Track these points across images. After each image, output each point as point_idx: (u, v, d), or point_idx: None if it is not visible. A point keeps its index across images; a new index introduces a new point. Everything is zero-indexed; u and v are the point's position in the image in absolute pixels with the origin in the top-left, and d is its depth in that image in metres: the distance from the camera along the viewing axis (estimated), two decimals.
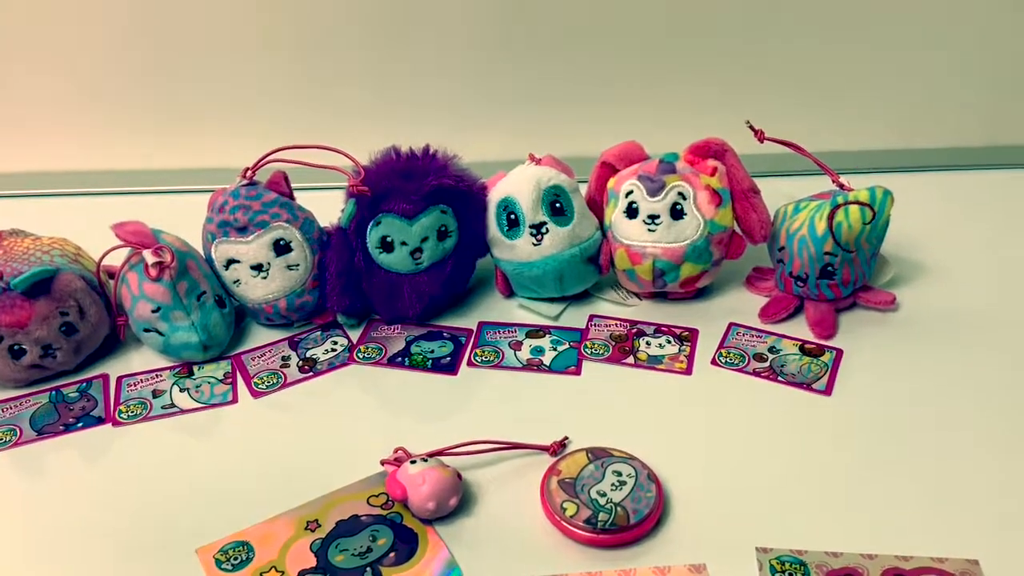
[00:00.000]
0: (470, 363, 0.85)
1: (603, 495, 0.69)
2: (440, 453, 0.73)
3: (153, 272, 0.81)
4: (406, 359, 0.85)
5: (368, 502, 0.72)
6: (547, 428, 0.77)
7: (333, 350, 0.87)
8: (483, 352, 0.86)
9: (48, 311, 0.80)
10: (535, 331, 0.88)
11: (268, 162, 0.85)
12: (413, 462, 0.71)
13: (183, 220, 0.89)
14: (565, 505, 0.69)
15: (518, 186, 0.87)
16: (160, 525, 0.71)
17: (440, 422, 0.80)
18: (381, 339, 0.88)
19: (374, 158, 0.85)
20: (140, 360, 0.87)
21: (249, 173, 0.86)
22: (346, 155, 0.84)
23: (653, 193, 0.86)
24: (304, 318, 0.89)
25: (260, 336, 0.89)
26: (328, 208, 0.89)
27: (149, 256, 0.80)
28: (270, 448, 0.77)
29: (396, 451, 0.74)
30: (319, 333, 0.89)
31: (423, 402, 0.82)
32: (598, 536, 0.67)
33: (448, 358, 0.86)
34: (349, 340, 0.88)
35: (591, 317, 0.90)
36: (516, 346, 0.87)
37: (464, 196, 0.87)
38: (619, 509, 0.68)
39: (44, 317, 0.80)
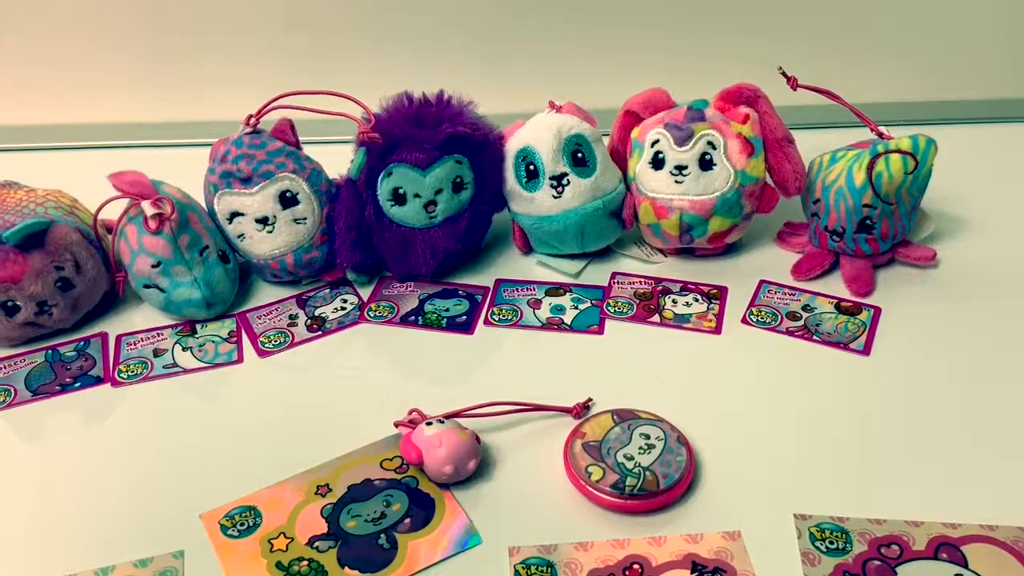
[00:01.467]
0: (487, 322, 0.81)
1: (630, 459, 0.65)
2: (457, 415, 0.69)
3: (152, 224, 0.76)
4: (420, 318, 0.81)
5: (381, 466, 0.68)
6: (569, 389, 0.73)
7: (343, 308, 0.83)
8: (500, 311, 0.82)
9: (42, 265, 0.76)
10: (555, 289, 0.84)
11: (272, 109, 0.80)
12: (429, 424, 0.67)
13: (184, 174, 0.84)
14: (590, 469, 0.65)
15: (538, 135, 0.82)
16: (162, 489, 0.67)
17: (456, 383, 0.76)
18: (393, 297, 0.84)
19: (385, 104, 0.81)
20: (140, 318, 0.83)
21: (253, 121, 0.81)
22: (355, 101, 0.79)
23: (681, 142, 0.81)
24: (312, 275, 0.84)
25: (266, 294, 0.85)
26: (335, 163, 0.85)
27: (148, 207, 0.76)
28: (278, 410, 0.73)
29: (410, 413, 0.70)
30: (328, 291, 0.85)
31: (438, 362, 0.78)
32: (625, 502, 0.63)
33: (464, 317, 0.81)
34: (359, 298, 0.84)
35: (614, 274, 0.85)
36: (535, 304, 0.82)
37: (480, 146, 0.82)
38: (648, 473, 0.64)
39: (38, 272, 0.76)
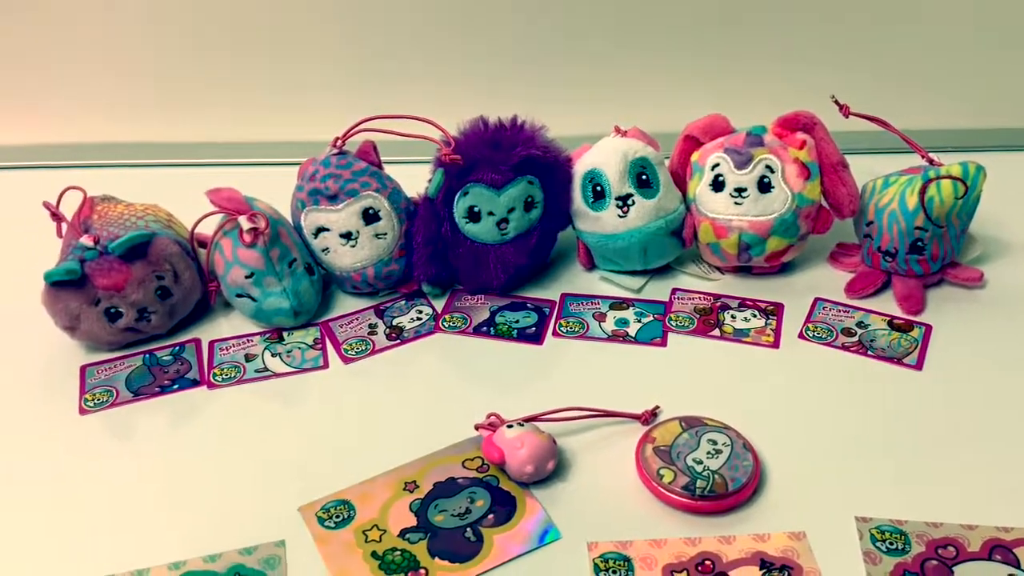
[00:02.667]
0: (555, 333, 0.85)
1: (699, 463, 0.69)
2: (535, 419, 0.73)
3: (248, 238, 0.82)
4: (491, 328, 0.86)
5: (463, 465, 0.72)
6: (634, 398, 0.77)
7: (419, 319, 0.88)
8: (567, 323, 0.86)
9: (144, 275, 0.82)
10: (618, 303, 0.89)
11: (357, 132, 0.86)
12: (510, 427, 0.71)
13: (265, 192, 0.90)
14: (662, 472, 0.69)
15: (605, 158, 0.87)
16: (261, 484, 0.72)
17: (527, 390, 0.80)
18: (465, 309, 0.89)
19: (462, 128, 0.86)
20: (228, 326, 0.88)
21: (339, 142, 0.86)
22: (435, 124, 0.85)
23: (740, 166, 0.86)
24: (389, 287, 0.90)
25: (345, 304, 0.90)
26: (409, 182, 0.90)
27: (244, 222, 0.82)
28: (363, 412, 0.78)
29: (489, 416, 0.74)
30: (404, 302, 0.90)
31: (509, 370, 0.82)
32: (696, 502, 0.68)
33: (533, 328, 0.86)
34: (433, 309, 0.89)
35: (674, 290, 0.90)
36: (600, 318, 0.87)
37: (551, 167, 0.87)
38: (717, 477, 0.68)
39: (140, 280, 0.81)
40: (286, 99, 1.12)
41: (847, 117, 0.89)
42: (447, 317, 0.88)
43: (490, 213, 0.85)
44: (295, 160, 0.95)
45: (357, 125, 0.86)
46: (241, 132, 1.12)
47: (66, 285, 0.80)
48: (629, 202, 0.86)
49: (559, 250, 0.94)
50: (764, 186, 0.86)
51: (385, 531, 0.67)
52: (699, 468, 0.69)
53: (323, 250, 0.87)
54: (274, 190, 0.90)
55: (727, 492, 0.68)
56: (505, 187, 0.85)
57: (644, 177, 0.87)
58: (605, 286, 0.91)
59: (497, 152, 0.84)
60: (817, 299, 0.88)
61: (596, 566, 0.64)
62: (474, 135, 0.85)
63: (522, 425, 0.72)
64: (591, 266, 0.93)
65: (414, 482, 0.71)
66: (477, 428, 0.74)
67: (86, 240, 0.81)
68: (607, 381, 0.80)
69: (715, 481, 0.68)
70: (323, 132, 0.90)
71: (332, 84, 1.11)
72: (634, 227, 0.87)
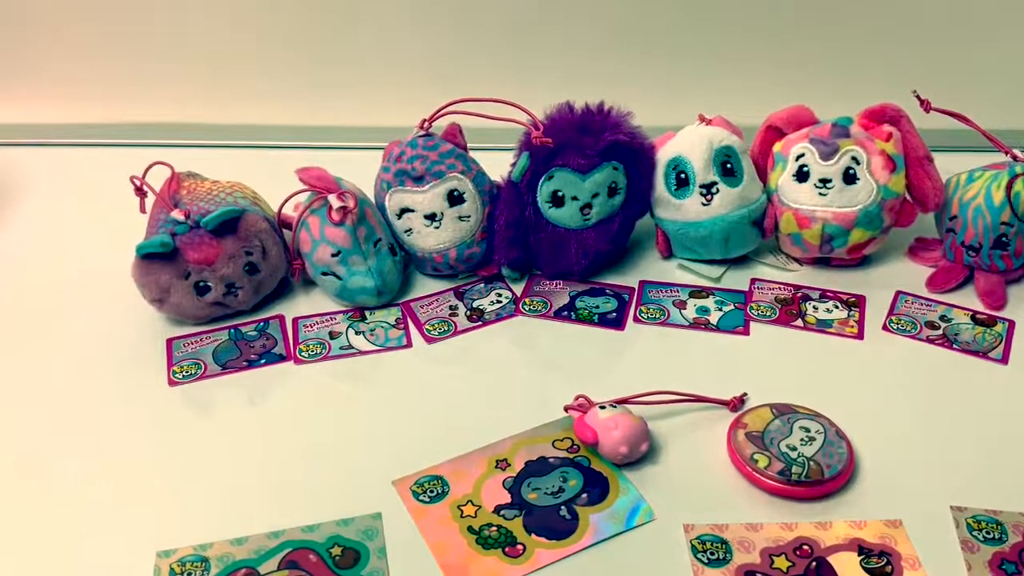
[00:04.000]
0: (636, 319, 0.86)
1: (793, 449, 0.70)
2: (626, 401, 0.73)
3: (336, 216, 0.83)
4: (572, 313, 0.86)
5: (553, 445, 0.73)
6: (719, 384, 0.77)
7: (499, 302, 0.88)
8: (648, 309, 0.86)
9: (234, 250, 0.82)
10: (697, 291, 0.89)
11: (444, 114, 0.87)
12: (603, 408, 0.72)
13: (344, 176, 0.90)
14: (756, 457, 0.69)
15: (689, 145, 0.87)
16: (352, 457, 0.73)
17: (611, 374, 0.81)
18: (544, 293, 0.89)
19: (548, 112, 0.86)
20: (308, 304, 0.89)
21: (426, 124, 0.87)
22: (522, 108, 0.85)
23: (826, 157, 0.86)
24: (469, 269, 0.90)
25: (424, 285, 0.91)
26: (490, 168, 0.91)
27: (334, 200, 0.82)
28: (448, 391, 0.79)
29: (577, 398, 0.75)
30: (483, 285, 0.90)
31: (592, 354, 0.83)
32: (792, 488, 0.68)
33: (614, 314, 0.86)
34: (513, 293, 0.89)
35: (753, 280, 0.90)
36: (680, 305, 0.87)
37: (636, 154, 0.87)
38: (812, 463, 0.68)
39: (230, 256, 0.82)
40: (367, 83, 1.12)
41: (927, 112, 0.89)
42: (527, 301, 0.88)
43: (574, 198, 0.86)
44: (374, 144, 0.96)
45: (444, 107, 0.86)
46: (321, 116, 1.13)
47: (157, 258, 0.81)
48: (713, 190, 0.87)
49: (635, 237, 0.94)
50: (849, 177, 0.85)
51: (480, 507, 0.68)
52: (793, 454, 0.69)
53: (406, 231, 0.88)
54: (354, 174, 0.90)
55: (823, 479, 0.68)
56: (591, 172, 0.85)
57: (728, 166, 0.87)
58: (683, 274, 0.91)
59: (585, 137, 0.84)
60: (899, 292, 0.88)
61: (694, 547, 0.65)
62: (561, 119, 0.85)
63: (614, 407, 0.72)
64: (668, 254, 0.93)
65: (505, 460, 0.71)
66: (567, 409, 0.74)
67: (177, 214, 0.82)
68: (690, 367, 0.80)
69: (811, 468, 0.68)
70: (402, 118, 0.91)
71: (414, 69, 1.12)
72: (717, 215, 0.87)
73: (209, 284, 0.82)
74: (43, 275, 0.93)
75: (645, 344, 0.83)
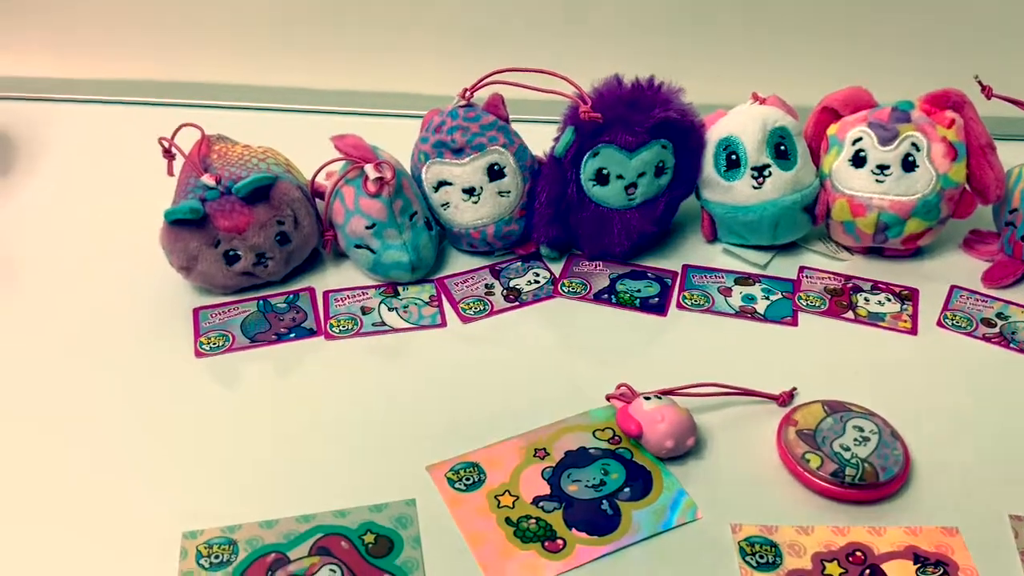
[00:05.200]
0: (679, 305, 0.82)
1: (847, 449, 0.66)
2: (672, 392, 0.70)
3: (372, 187, 0.79)
4: (612, 296, 0.83)
5: (594, 435, 0.70)
6: (766, 377, 0.74)
7: (536, 282, 0.85)
8: (691, 295, 0.83)
9: (266, 218, 0.79)
10: (743, 278, 0.85)
11: (486, 84, 0.83)
12: (647, 399, 0.69)
13: (380, 143, 0.87)
14: (808, 456, 0.66)
15: (742, 125, 0.83)
16: (384, 440, 0.70)
17: (653, 362, 0.78)
18: (584, 274, 0.86)
19: (596, 86, 0.82)
20: (338, 277, 0.86)
21: (467, 94, 0.83)
22: (568, 80, 0.81)
23: (885, 142, 0.82)
24: (506, 247, 0.87)
25: (458, 262, 0.87)
26: (530, 140, 0.87)
27: (371, 171, 0.79)
28: (484, 373, 0.76)
29: (620, 387, 0.72)
30: (520, 263, 0.87)
31: (634, 340, 0.80)
32: (845, 490, 0.65)
33: (656, 299, 0.83)
34: (551, 273, 0.86)
35: (801, 268, 0.86)
36: (725, 292, 0.84)
37: (686, 132, 0.83)
38: (866, 465, 0.65)
39: (261, 224, 0.79)
40: (407, 48, 1.08)
41: (989, 99, 0.85)
42: (566, 282, 0.85)
43: (619, 176, 0.82)
44: (410, 112, 0.92)
45: (487, 77, 0.83)
46: (357, 80, 1.09)
47: (186, 224, 0.78)
48: (765, 173, 0.83)
49: (678, 219, 0.90)
50: (908, 164, 0.81)
51: (518, 497, 0.65)
52: (847, 455, 0.66)
53: (443, 204, 0.85)
54: (389, 143, 0.87)
55: (878, 482, 0.65)
56: (638, 150, 0.81)
57: (782, 148, 0.83)
58: (728, 259, 0.88)
59: (634, 113, 0.80)
60: (953, 287, 0.84)
61: (742, 549, 0.62)
62: (610, 94, 0.81)
63: (659, 398, 0.69)
64: (713, 238, 0.89)
65: (544, 449, 0.69)
66: (609, 399, 0.71)
67: (208, 179, 0.79)
68: (736, 358, 0.77)
69: (865, 470, 0.65)
70: (440, 86, 0.87)
71: (456, 35, 1.07)
72: (768, 200, 0.83)
73: (239, 253, 0.79)
74: (66, 236, 0.90)
75: (688, 332, 0.80)
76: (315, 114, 1.07)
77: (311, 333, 0.79)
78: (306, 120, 1.05)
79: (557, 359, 0.78)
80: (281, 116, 1.06)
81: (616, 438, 0.70)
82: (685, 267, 0.87)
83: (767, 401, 0.72)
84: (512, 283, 0.85)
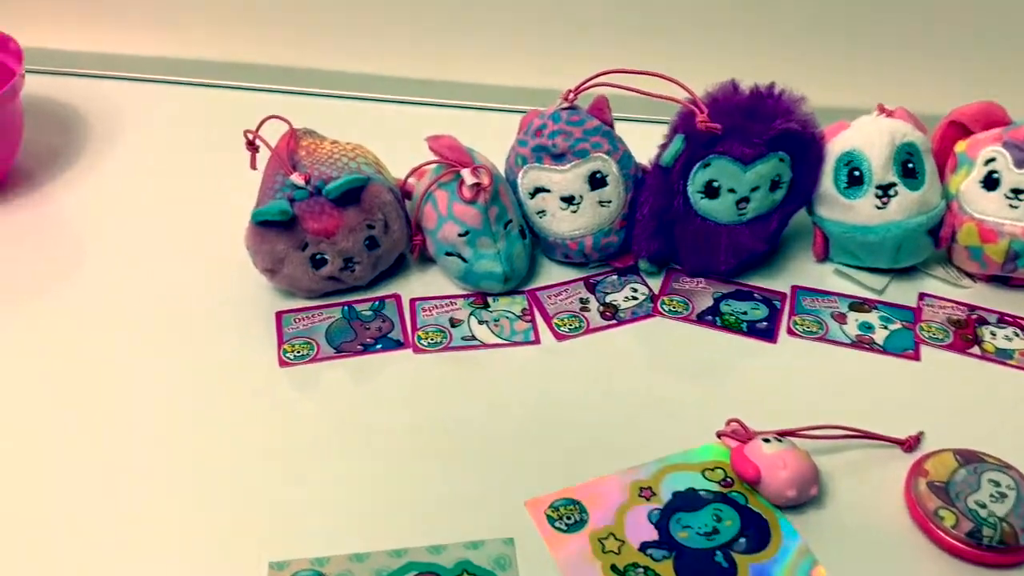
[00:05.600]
0: (790, 331, 0.77)
1: (983, 506, 0.61)
2: (792, 433, 0.65)
3: (468, 194, 0.75)
4: (717, 318, 0.78)
5: (704, 475, 0.65)
6: (887, 417, 0.68)
7: (634, 298, 0.80)
8: (803, 321, 0.78)
9: (356, 222, 0.75)
10: (858, 304, 0.79)
11: (592, 86, 0.78)
12: (766, 441, 0.64)
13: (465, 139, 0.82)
14: (941, 513, 0.61)
15: (868, 139, 0.77)
16: (479, 468, 0.66)
17: (763, 394, 0.72)
18: (685, 292, 0.80)
19: (710, 91, 0.77)
20: (424, 284, 0.81)
21: (571, 96, 0.78)
22: (682, 85, 0.75)
23: (1021, 164, 0.75)
24: (603, 259, 0.82)
25: (550, 272, 0.83)
26: (628, 141, 0.82)
27: (468, 176, 0.74)
28: (581, 398, 0.71)
29: (730, 423, 0.67)
30: (616, 277, 0.82)
31: (741, 369, 0.74)
32: (982, 553, 0.59)
33: (764, 323, 0.77)
34: (649, 289, 0.81)
35: (921, 295, 0.80)
36: (840, 318, 0.78)
37: (805, 145, 0.77)
38: (1004, 525, 0.60)
39: (351, 228, 0.75)
40: (500, 37, 1.02)
41: None
42: (666, 299, 0.80)
43: (731, 190, 0.76)
44: (502, 106, 0.87)
45: (593, 78, 0.77)
46: (444, 70, 1.04)
47: (273, 225, 0.74)
48: (891, 192, 0.77)
49: (785, 234, 0.85)
50: None
51: (624, 542, 0.61)
52: (983, 513, 0.60)
53: (538, 212, 0.80)
54: (474, 138, 0.81)
55: (1018, 544, 0.59)
56: (754, 163, 0.75)
57: (910, 165, 0.77)
58: (840, 281, 0.82)
59: (752, 123, 0.75)
60: None
61: None
62: (726, 101, 0.76)
63: (780, 440, 0.64)
64: (824, 257, 0.83)
65: (649, 488, 0.64)
66: (720, 436, 0.67)
67: (297, 178, 0.75)
68: (854, 394, 0.72)
69: (1004, 530, 0.60)
70: (534, 78, 0.82)
71: (554, 27, 1.02)
72: (892, 221, 0.77)
73: (326, 257, 0.75)
74: (142, 226, 0.87)
75: (801, 362, 0.75)
76: (399, 104, 1.02)
77: (398, 345, 0.75)
78: (391, 111, 1.01)
79: (659, 385, 0.73)
80: (361, 105, 1.01)
81: (728, 480, 0.65)
82: (795, 288, 0.81)
83: (890, 445, 0.67)
84: (608, 298, 0.80)
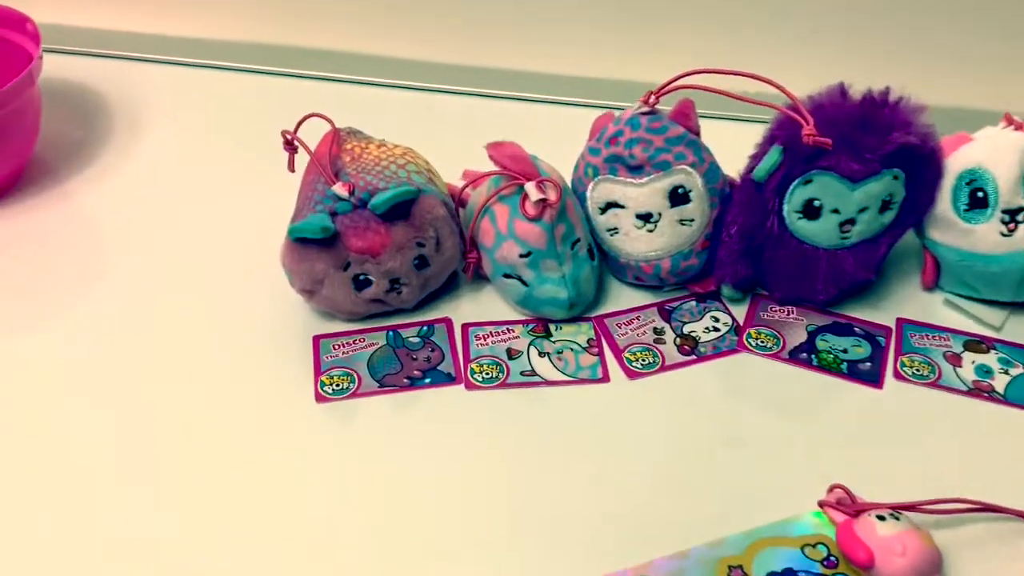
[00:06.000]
0: (897, 374, 0.67)
1: None
2: (912, 508, 0.56)
3: (532, 211, 0.65)
4: (812, 356, 0.68)
5: (803, 552, 0.56)
6: (1014, 482, 0.59)
7: (715, 329, 0.71)
8: (912, 362, 0.68)
9: (405, 240, 0.66)
10: (975, 342, 0.69)
11: (676, 87, 0.68)
12: (882, 519, 0.54)
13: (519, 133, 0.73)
14: None
15: (996, 156, 0.66)
16: (545, 530, 0.57)
17: (869, 451, 0.62)
18: (773, 323, 0.71)
19: (815, 97, 0.66)
20: (476, 306, 0.72)
21: (653, 99, 0.68)
22: (782, 89, 0.65)
23: None
24: (680, 283, 0.73)
25: (619, 295, 0.73)
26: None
27: (533, 191, 0.65)
28: (658, 450, 0.62)
29: (834, 489, 0.58)
30: (694, 303, 0.73)
31: (842, 419, 0.65)
32: None
33: (867, 364, 0.68)
34: (733, 319, 0.71)
35: None
36: (953, 360, 0.68)
37: (924, 162, 0.67)
38: None
39: (399, 247, 0.66)
40: (564, 26, 0.92)
41: None
42: (753, 332, 0.70)
43: (835, 211, 0.67)
44: (565, 99, 0.77)
45: (678, 78, 0.67)
46: (496, 57, 0.93)
47: (313, 242, 0.65)
48: (1019, 218, 0.66)
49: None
50: None
51: None
52: None
53: (609, 230, 0.70)
54: (532, 134, 0.72)
55: None
56: (865, 181, 0.65)
57: None
58: (950, 314, 0.72)
59: (865, 135, 0.64)
60: None
61: None
62: (833, 108, 0.65)
63: (897, 518, 0.55)
64: (933, 285, 0.73)
65: (740, 568, 0.55)
66: (822, 506, 0.57)
67: (340, 189, 0.66)
68: (972, 453, 0.62)
69: None
70: (599, 67, 0.72)
71: (636, 14, 0.91)
72: (1019, 250, 0.67)
73: (371, 278, 0.67)
74: (170, 230, 0.80)
75: (911, 412, 0.65)
76: (450, 95, 0.92)
77: (449, 379, 0.67)
78: (441, 101, 0.91)
79: (747, 438, 0.63)
80: (403, 94, 0.92)
81: (832, 560, 0.56)
82: (900, 322, 0.71)
83: (1020, 519, 0.58)
84: (687, 328, 0.71)
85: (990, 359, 0.68)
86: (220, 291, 0.74)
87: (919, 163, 0.67)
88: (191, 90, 0.96)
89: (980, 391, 0.66)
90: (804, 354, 0.68)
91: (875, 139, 0.64)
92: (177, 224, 0.80)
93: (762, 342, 0.69)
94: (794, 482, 0.60)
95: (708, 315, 0.72)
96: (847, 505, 0.56)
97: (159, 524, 0.58)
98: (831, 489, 0.58)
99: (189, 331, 0.70)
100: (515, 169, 0.66)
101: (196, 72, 0.97)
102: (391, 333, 0.70)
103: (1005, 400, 0.65)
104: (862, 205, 0.66)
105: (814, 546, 0.56)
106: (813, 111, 0.65)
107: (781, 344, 0.69)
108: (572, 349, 0.69)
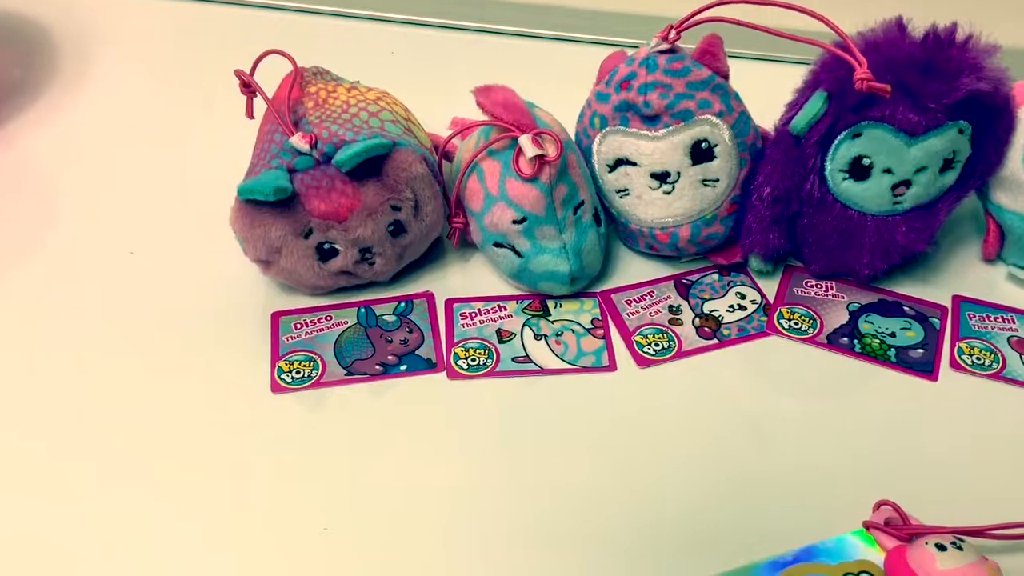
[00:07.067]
0: (954, 363, 0.57)
1: None
2: (978, 533, 0.47)
3: (528, 168, 0.55)
4: (855, 343, 0.58)
5: None
6: None
7: (741, 307, 0.61)
8: (972, 349, 0.58)
9: (377, 203, 0.56)
10: None
11: (701, 21, 0.57)
12: (942, 548, 0.45)
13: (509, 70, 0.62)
14: None
15: None
16: (544, 549, 0.49)
17: (922, 457, 0.53)
18: (809, 301, 0.61)
19: (867, 35, 0.56)
20: (464, 277, 0.63)
21: (673, 34, 0.57)
22: (829, 23, 0.54)
23: None
24: (700, 253, 0.63)
25: (630, 266, 0.63)
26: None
27: (528, 145, 0.54)
28: (673, 456, 0.53)
29: (882, 505, 0.48)
30: (716, 276, 0.63)
31: (890, 418, 0.55)
32: None
33: (920, 350, 0.58)
34: (762, 295, 0.61)
35: None
36: (1019, 346, 0.58)
37: (996, 113, 0.56)
38: None
39: (370, 211, 0.56)
40: None
41: None
42: (785, 312, 0.60)
43: (887, 170, 0.56)
44: (570, 35, 0.67)
45: (703, 9, 0.56)
46: None
47: (268, 204, 0.55)
48: None
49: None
50: None
51: None
52: None
53: (620, 191, 0.60)
54: (529, 75, 0.62)
55: None
56: (926, 135, 0.55)
57: None
58: (1014, 290, 0.62)
59: (928, 80, 0.53)
60: None
61: None
62: (889, 47, 0.54)
63: (960, 547, 0.45)
64: (996, 256, 0.63)
65: None
66: (868, 528, 0.48)
67: (299, 141, 0.55)
68: None
69: None
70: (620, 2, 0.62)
71: None
72: None
73: (337, 247, 0.57)
74: (117, 180, 0.70)
75: (971, 410, 0.55)
76: (434, 28, 0.80)
77: (429, 366, 0.57)
78: (424, 35, 0.79)
79: (775, 438, 0.54)
80: (372, 27, 0.79)
81: None
82: (957, 300, 0.61)
83: None
84: (707, 307, 0.61)
85: None
86: (168, 256, 0.64)
87: (989, 114, 0.56)
88: (146, 21, 0.85)
89: None
90: (845, 338, 0.59)
91: (940, 85, 0.53)
92: (124, 178, 0.70)
93: (796, 324, 0.59)
94: (835, 495, 0.51)
95: (733, 291, 0.62)
96: (898, 527, 0.47)
97: (74, 531, 0.49)
98: (878, 506, 0.49)
99: (128, 302, 0.61)
100: (508, 119, 0.55)
101: (151, 2, 0.86)
102: (363, 310, 0.60)
103: None
104: (920, 164, 0.56)
105: (857, 574, 0.47)
106: (865, 51, 0.54)
107: (818, 326, 0.59)
108: (573, 331, 0.59)
